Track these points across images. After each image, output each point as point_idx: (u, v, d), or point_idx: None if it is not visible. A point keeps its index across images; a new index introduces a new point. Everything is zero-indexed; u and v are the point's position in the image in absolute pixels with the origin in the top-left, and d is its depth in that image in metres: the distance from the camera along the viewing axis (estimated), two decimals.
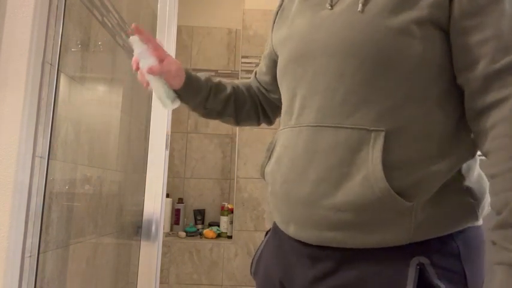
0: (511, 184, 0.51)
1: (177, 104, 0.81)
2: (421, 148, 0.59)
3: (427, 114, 0.59)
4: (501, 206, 0.52)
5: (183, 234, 2.72)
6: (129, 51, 1.92)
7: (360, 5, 0.61)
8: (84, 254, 1.52)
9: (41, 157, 1.19)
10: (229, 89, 0.91)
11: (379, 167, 0.56)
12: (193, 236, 2.75)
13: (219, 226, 2.79)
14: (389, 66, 0.59)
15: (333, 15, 0.64)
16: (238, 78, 2.96)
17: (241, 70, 2.76)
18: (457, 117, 0.61)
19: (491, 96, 0.55)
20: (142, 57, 0.81)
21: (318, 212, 0.61)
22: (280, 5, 0.86)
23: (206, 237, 2.70)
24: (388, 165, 0.57)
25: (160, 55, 0.82)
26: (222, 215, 2.76)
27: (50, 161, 1.22)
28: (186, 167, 2.97)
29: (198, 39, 3.07)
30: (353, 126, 0.59)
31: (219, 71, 3.05)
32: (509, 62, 0.54)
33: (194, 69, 3.21)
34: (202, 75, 0.87)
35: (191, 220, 2.91)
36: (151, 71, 0.80)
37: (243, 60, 2.77)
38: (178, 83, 0.82)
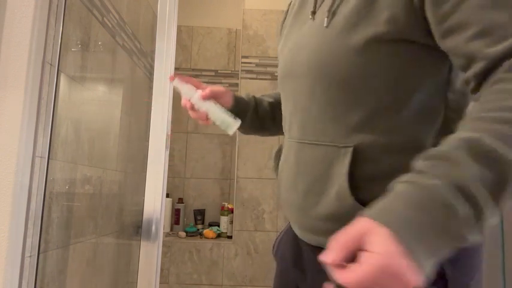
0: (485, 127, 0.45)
1: (239, 121, 0.82)
2: (394, 161, 0.58)
3: (400, 128, 0.58)
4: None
5: (183, 234, 2.72)
6: (129, 51, 1.92)
7: (326, 20, 0.63)
8: (84, 254, 1.52)
9: (41, 157, 1.18)
10: (266, 97, 0.94)
11: (345, 183, 0.58)
12: (193, 236, 2.75)
13: (219, 226, 2.79)
14: (353, 85, 0.59)
15: (310, 31, 0.67)
16: (238, 78, 2.96)
17: (241, 70, 2.76)
18: (436, 130, 0.59)
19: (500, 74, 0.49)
20: (190, 94, 0.85)
21: (309, 220, 0.65)
22: (287, 11, 0.87)
23: (206, 237, 2.70)
24: (357, 180, 0.58)
25: (203, 87, 0.86)
26: (222, 215, 2.76)
27: (50, 161, 1.21)
28: (186, 167, 2.97)
29: (198, 39, 3.07)
30: (327, 143, 0.62)
31: (219, 71, 3.05)
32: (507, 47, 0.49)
33: (194, 69, 3.21)
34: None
35: (191, 220, 2.91)
36: (204, 97, 0.83)
37: (243, 60, 2.77)
38: (229, 100, 0.86)
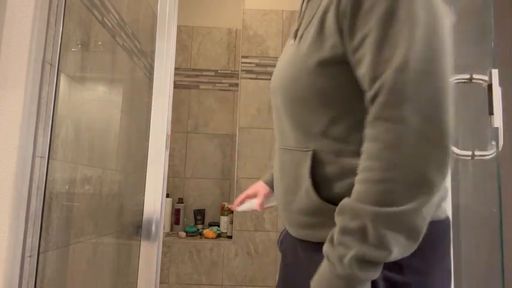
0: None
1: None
2: (347, 164, 0.66)
3: (349, 136, 0.67)
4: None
5: (183, 234, 2.72)
6: (129, 51, 1.92)
7: (296, 41, 0.74)
8: (84, 254, 1.52)
9: (41, 157, 1.19)
10: None
11: (309, 181, 0.68)
12: (193, 236, 2.75)
13: (219, 226, 2.79)
14: (310, 101, 0.69)
15: (289, 51, 0.77)
16: (238, 78, 2.96)
17: (241, 70, 2.76)
18: None
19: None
20: (250, 207, 1.07)
21: (289, 215, 0.76)
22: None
23: (206, 237, 2.70)
24: (319, 180, 0.68)
25: (254, 195, 1.08)
26: (222, 215, 2.76)
27: (50, 161, 1.21)
28: (186, 167, 2.97)
29: (198, 39, 3.07)
30: (295, 149, 0.73)
31: (219, 71, 3.05)
32: (380, 86, 0.59)
33: (194, 69, 3.20)
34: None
35: (191, 220, 2.91)
36: (261, 207, 1.06)
37: (243, 60, 2.77)
38: (269, 192, 1.06)
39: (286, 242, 0.83)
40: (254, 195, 1.06)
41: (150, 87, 1.58)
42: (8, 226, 1.08)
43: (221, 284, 2.59)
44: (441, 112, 0.57)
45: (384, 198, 0.56)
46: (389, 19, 0.58)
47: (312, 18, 0.71)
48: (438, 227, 0.67)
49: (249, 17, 2.81)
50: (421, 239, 0.57)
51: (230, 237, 2.71)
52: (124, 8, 1.84)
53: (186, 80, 3.03)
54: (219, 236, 2.74)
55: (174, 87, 2.77)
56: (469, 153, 0.85)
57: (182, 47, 3.04)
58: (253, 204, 1.05)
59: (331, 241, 0.60)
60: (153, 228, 1.47)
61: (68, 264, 1.41)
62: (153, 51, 1.64)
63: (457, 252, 1.19)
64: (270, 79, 2.98)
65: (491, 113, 0.82)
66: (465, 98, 1.25)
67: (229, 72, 3.05)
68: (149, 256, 1.44)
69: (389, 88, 0.57)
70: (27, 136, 1.13)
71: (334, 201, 0.64)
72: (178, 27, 3.07)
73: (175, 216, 2.85)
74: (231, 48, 3.07)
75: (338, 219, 0.60)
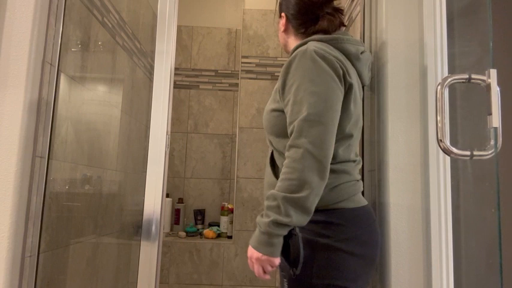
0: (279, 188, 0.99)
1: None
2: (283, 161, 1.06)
3: (284, 152, 1.07)
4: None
5: (183, 234, 2.72)
6: (129, 51, 1.93)
7: (270, 97, 1.20)
8: (84, 254, 1.52)
9: (41, 157, 1.19)
10: None
11: (269, 168, 1.15)
12: (193, 236, 2.75)
13: (219, 226, 2.79)
14: (272, 131, 1.14)
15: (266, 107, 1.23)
16: (238, 78, 2.96)
17: (241, 70, 2.76)
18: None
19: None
20: None
21: (265, 191, 1.15)
22: None
23: (206, 237, 2.70)
24: (274, 167, 1.15)
25: None
26: (222, 215, 2.76)
27: (50, 161, 1.22)
28: (186, 167, 2.97)
29: (198, 39, 3.08)
30: (269, 153, 1.19)
31: (219, 71, 3.05)
32: (292, 128, 1.01)
33: (194, 69, 3.20)
34: None
35: (191, 220, 2.91)
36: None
37: (243, 60, 2.77)
38: None
39: None
40: None
41: (150, 87, 1.58)
42: (8, 226, 1.08)
43: (221, 284, 2.59)
44: (323, 142, 0.97)
45: (289, 189, 0.96)
46: (298, 92, 1.02)
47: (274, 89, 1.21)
48: (345, 214, 1.05)
49: (249, 17, 2.81)
50: (310, 214, 0.97)
51: (230, 237, 2.71)
52: (124, 8, 1.84)
53: (186, 80, 3.03)
54: (219, 236, 2.74)
55: (174, 87, 2.77)
56: (468, 153, 0.85)
57: (182, 47, 3.04)
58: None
59: (260, 214, 1.00)
60: (153, 228, 1.47)
61: (68, 264, 1.41)
62: (153, 51, 1.64)
63: (457, 251, 1.19)
64: (270, 79, 3.00)
65: (489, 113, 0.82)
66: (464, 98, 1.25)
67: (229, 72, 3.05)
68: (149, 256, 1.45)
69: (296, 128, 0.98)
70: (27, 136, 1.14)
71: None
72: (178, 27, 3.07)
73: (175, 216, 2.85)
74: (231, 48, 3.07)
75: (265, 202, 0.99)
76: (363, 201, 1.11)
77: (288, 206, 0.95)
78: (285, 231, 0.97)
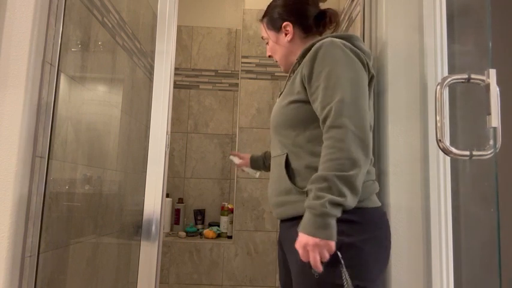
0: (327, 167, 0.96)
1: (258, 172, 1.62)
2: (306, 162, 1.09)
3: (304, 145, 1.10)
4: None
5: (183, 234, 2.72)
6: (129, 51, 1.93)
7: (281, 97, 1.21)
8: (84, 254, 1.52)
9: (41, 157, 1.19)
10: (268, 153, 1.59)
11: (284, 172, 1.11)
12: (193, 236, 2.75)
13: (219, 226, 2.79)
14: (283, 126, 1.14)
15: (276, 104, 1.23)
16: (238, 78, 2.96)
17: (241, 70, 2.76)
18: (320, 146, 1.05)
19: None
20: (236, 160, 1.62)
21: (275, 198, 1.16)
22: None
23: (206, 237, 2.70)
24: (290, 171, 1.11)
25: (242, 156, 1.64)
26: (222, 215, 2.76)
27: (50, 161, 1.22)
28: (186, 167, 2.97)
29: (198, 39, 3.08)
30: (278, 155, 1.17)
31: (219, 71, 3.05)
32: (328, 110, 1.00)
33: (194, 69, 3.20)
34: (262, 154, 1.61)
35: (191, 220, 2.91)
36: (239, 166, 1.64)
37: (243, 60, 2.77)
38: (247, 163, 1.62)
39: (280, 234, 1.21)
40: (242, 158, 1.61)
41: (150, 87, 1.59)
42: (8, 226, 1.08)
43: (221, 284, 2.59)
44: (363, 123, 0.97)
45: (339, 168, 0.94)
46: (329, 77, 1.03)
47: (287, 83, 1.22)
48: (365, 213, 1.04)
49: (249, 17, 2.81)
50: (358, 195, 0.95)
51: (230, 237, 2.71)
52: (124, 8, 1.84)
53: (186, 80, 3.03)
54: (219, 236, 2.74)
55: (174, 87, 2.78)
56: (467, 153, 0.85)
57: (182, 47, 3.04)
58: (236, 161, 1.61)
59: (309, 198, 0.96)
60: (153, 228, 1.47)
61: (68, 264, 1.41)
62: (153, 51, 1.64)
63: (457, 251, 1.19)
64: (270, 79, 3.01)
65: (489, 113, 0.82)
66: (463, 98, 1.25)
67: (229, 72, 3.05)
68: (149, 256, 1.45)
69: (335, 109, 0.98)
70: (27, 136, 1.14)
71: (297, 184, 1.09)
72: (178, 27, 3.07)
73: (175, 216, 2.85)
74: (231, 48, 3.07)
75: (312, 186, 0.96)
76: (379, 202, 1.10)
77: (341, 185, 0.92)
78: (339, 213, 0.93)
